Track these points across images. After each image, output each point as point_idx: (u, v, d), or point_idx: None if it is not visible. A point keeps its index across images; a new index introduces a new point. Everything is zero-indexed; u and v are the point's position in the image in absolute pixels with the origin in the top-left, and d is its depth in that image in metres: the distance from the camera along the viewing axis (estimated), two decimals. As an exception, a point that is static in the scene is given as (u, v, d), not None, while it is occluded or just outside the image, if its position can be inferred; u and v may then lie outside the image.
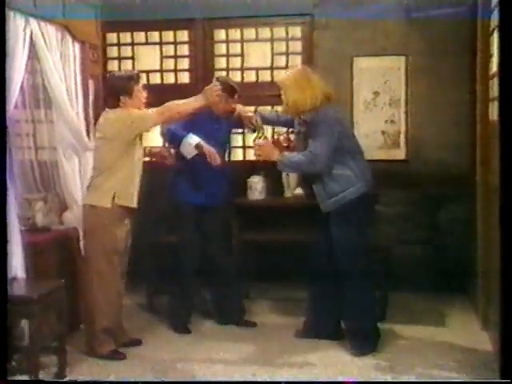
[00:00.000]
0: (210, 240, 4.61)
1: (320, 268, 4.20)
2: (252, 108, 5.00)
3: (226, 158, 4.76)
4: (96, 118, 4.32)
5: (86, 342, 4.09)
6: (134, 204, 4.05)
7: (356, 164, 4.05)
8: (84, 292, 4.10)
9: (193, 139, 4.37)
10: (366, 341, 4.07)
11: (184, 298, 4.58)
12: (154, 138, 5.82)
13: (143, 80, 5.16)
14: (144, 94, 4.08)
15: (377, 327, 4.19)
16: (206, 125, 4.41)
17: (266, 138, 4.41)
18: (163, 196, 4.75)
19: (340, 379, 3.69)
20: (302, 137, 4.15)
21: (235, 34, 5.73)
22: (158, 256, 5.03)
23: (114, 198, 3.93)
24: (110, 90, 4.08)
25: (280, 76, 4.26)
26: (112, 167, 3.95)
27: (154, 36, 5.83)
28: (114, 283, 4.03)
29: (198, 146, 4.35)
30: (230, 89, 4.43)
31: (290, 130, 5.45)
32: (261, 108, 4.96)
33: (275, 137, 5.43)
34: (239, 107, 4.51)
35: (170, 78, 5.84)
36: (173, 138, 4.44)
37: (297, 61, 5.64)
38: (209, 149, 4.34)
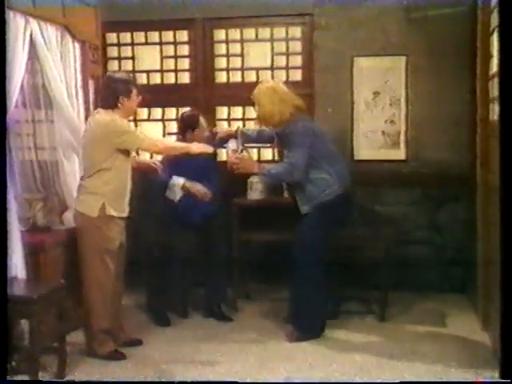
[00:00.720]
0: (207, 237, 4.75)
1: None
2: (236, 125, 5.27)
3: (214, 189, 4.83)
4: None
5: (86, 343, 4.09)
6: (125, 213, 4.11)
7: (332, 167, 4.28)
8: (82, 293, 4.10)
9: (177, 181, 4.58)
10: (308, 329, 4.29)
11: (165, 292, 4.68)
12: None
13: (144, 80, 5.24)
14: (139, 98, 4.16)
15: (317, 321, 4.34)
16: (186, 159, 4.49)
17: (246, 151, 4.53)
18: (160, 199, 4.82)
19: (342, 379, 3.71)
20: (279, 146, 4.44)
21: (235, 34, 5.72)
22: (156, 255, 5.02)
23: (102, 208, 3.96)
24: (109, 90, 4.09)
25: (253, 90, 4.41)
26: (100, 171, 3.97)
27: (154, 36, 5.82)
28: (108, 283, 4.03)
29: (183, 188, 4.57)
30: (191, 122, 4.72)
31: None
32: (242, 127, 5.00)
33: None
34: (220, 130, 4.82)
35: (170, 78, 5.83)
36: (156, 185, 4.58)
37: (297, 61, 5.65)
38: (195, 187, 4.54)
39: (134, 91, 4.10)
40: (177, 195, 4.65)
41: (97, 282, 4.00)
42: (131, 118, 5.78)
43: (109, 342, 4.07)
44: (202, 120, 4.79)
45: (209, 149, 4.22)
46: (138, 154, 4.27)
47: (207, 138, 4.74)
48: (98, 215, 3.96)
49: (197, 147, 4.18)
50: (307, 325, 4.32)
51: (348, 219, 4.50)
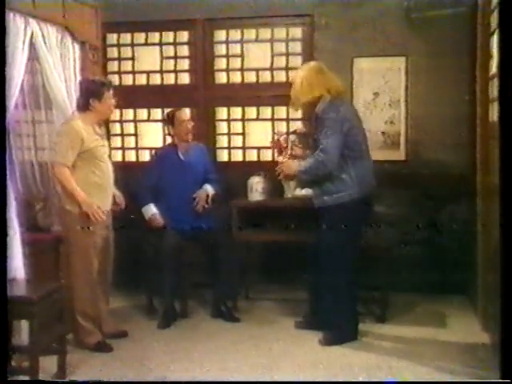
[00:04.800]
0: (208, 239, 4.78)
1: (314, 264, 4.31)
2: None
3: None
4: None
5: (73, 334, 4.16)
6: (107, 207, 4.24)
7: (355, 170, 4.11)
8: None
9: (148, 210, 4.83)
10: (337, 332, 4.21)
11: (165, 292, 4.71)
12: (153, 139, 5.87)
13: (144, 81, 5.24)
14: (113, 101, 4.25)
15: (350, 323, 4.27)
16: (175, 167, 4.88)
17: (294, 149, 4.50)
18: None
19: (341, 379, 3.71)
20: (313, 132, 4.22)
21: (235, 34, 5.72)
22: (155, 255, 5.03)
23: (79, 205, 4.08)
24: (81, 93, 4.23)
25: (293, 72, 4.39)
26: (75, 168, 4.07)
27: (154, 37, 5.82)
28: (91, 276, 4.14)
29: (149, 220, 4.82)
30: (167, 119, 4.97)
31: (291, 130, 5.49)
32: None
33: (275, 138, 5.47)
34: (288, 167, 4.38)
35: (170, 79, 5.83)
36: (137, 200, 4.84)
37: (297, 61, 5.64)
38: (157, 223, 4.79)
39: (107, 94, 4.18)
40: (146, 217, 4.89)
41: (80, 274, 4.11)
42: (131, 118, 5.85)
43: (95, 333, 4.16)
44: (179, 114, 4.92)
45: (96, 214, 4.13)
46: (110, 156, 4.39)
47: (192, 131, 4.97)
48: (79, 211, 4.06)
49: (86, 206, 4.07)
50: (343, 328, 4.23)
51: (362, 224, 4.36)
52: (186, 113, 5.01)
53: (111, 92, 4.22)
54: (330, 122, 4.05)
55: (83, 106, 4.18)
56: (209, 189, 4.94)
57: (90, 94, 4.15)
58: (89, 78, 4.38)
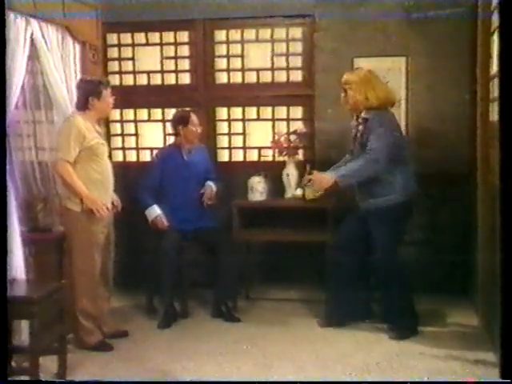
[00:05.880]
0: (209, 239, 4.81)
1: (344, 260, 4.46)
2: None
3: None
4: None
5: (74, 334, 4.16)
6: (108, 205, 4.23)
7: (401, 174, 4.28)
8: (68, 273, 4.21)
9: (152, 212, 4.82)
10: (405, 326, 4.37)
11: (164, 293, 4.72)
12: (154, 139, 5.87)
13: (144, 81, 5.23)
14: (111, 100, 4.29)
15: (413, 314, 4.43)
16: (179, 167, 4.91)
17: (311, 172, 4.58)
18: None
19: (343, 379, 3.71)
20: (360, 136, 4.31)
21: (236, 34, 5.71)
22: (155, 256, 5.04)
23: (82, 202, 4.10)
24: (79, 92, 4.27)
25: (345, 75, 4.45)
26: (75, 166, 4.07)
27: (155, 37, 5.81)
28: (94, 275, 4.16)
29: (153, 222, 4.81)
30: (181, 119, 4.93)
31: (291, 130, 5.50)
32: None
33: (276, 138, 5.48)
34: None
35: (170, 79, 5.83)
36: (140, 202, 4.87)
37: (297, 62, 5.65)
38: (162, 224, 4.78)
39: (105, 92, 4.23)
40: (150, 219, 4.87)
41: (83, 273, 4.12)
42: (131, 118, 5.85)
43: (96, 332, 4.18)
44: (193, 117, 4.93)
45: (101, 209, 4.15)
46: (110, 156, 4.41)
47: (200, 135, 5.00)
48: (81, 209, 4.08)
49: (90, 202, 4.09)
50: (408, 324, 4.37)
51: (406, 226, 4.50)
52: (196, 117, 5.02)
53: (109, 90, 4.26)
54: (380, 127, 4.20)
55: (82, 105, 4.21)
56: (213, 185, 4.99)
57: (88, 92, 4.18)
58: (86, 77, 4.41)
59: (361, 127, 4.33)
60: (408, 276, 4.45)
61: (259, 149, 5.74)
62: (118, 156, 5.85)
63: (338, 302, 4.56)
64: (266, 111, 5.72)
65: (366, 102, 4.28)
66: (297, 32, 5.64)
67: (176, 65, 5.82)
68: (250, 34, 5.69)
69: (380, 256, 4.32)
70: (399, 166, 4.27)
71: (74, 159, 4.08)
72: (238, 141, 5.80)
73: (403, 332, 4.33)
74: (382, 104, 4.30)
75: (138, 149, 5.90)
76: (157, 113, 5.85)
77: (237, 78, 5.74)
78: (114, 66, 5.84)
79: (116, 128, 5.86)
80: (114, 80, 5.62)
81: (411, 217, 4.48)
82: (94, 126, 4.22)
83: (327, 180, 4.32)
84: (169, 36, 5.80)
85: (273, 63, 5.68)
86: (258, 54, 5.71)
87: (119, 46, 5.85)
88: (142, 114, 5.87)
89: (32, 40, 4.01)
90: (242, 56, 5.71)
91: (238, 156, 5.82)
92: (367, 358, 3.99)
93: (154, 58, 5.83)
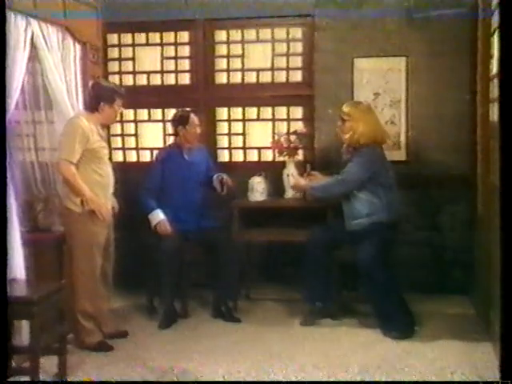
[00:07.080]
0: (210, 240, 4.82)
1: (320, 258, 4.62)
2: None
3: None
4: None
5: (74, 334, 4.16)
6: (108, 207, 4.25)
7: (385, 195, 4.45)
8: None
9: (156, 217, 4.80)
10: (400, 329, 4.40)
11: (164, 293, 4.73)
12: (154, 139, 5.87)
13: (144, 81, 5.22)
14: (120, 110, 4.37)
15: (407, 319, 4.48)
16: (180, 167, 4.91)
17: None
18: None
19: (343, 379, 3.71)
20: (343, 163, 4.57)
21: (236, 34, 5.72)
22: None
23: (82, 203, 4.10)
24: (93, 95, 4.29)
25: (345, 106, 4.59)
26: (78, 167, 4.08)
27: (155, 37, 5.82)
28: (94, 275, 4.17)
29: (156, 226, 4.78)
30: (181, 119, 4.92)
31: (291, 130, 5.51)
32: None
33: (276, 138, 5.48)
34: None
35: (170, 79, 5.84)
36: (143, 205, 4.85)
37: (297, 62, 5.65)
38: (165, 229, 4.74)
39: (118, 101, 4.27)
40: (153, 223, 4.85)
41: (83, 273, 4.13)
42: (131, 118, 5.85)
43: (96, 333, 4.20)
44: (193, 117, 4.93)
45: (104, 212, 4.18)
46: (110, 159, 4.44)
47: (199, 136, 5.00)
48: (81, 210, 4.09)
49: (92, 203, 4.10)
50: (402, 327, 4.40)
51: (389, 245, 4.58)
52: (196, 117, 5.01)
53: (121, 101, 4.31)
54: (362, 158, 4.43)
55: (92, 107, 4.24)
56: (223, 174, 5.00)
57: (102, 98, 4.21)
58: (103, 82, 4.47)
59: (348, 156, 4.56)
60: (397, 285, 4.50)
61: (259, 149, 5.74)
62: (118, 156, 5.85)
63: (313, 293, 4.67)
64: (266, 111, 5.72)
65: (361, 137, 4.44)
66: (297, 32, 5.65)
67: (176, 65, 5.82)
68: (250, 34, 5.70)
69: (364, 272, 4.44)
70: (384, 190, 4.45)
71: (77, 160, 4.08)
72: (237, 141, 5.80)
73: (399, 334, 4.34)
74: (372, 142, 4.47)
75: (138, 149, 5.90)
76: (157, 113, 5.86)
77: (237, 78, 5.75)
78: (114, 66, 5.84)
79: (116, 128, 5.86)
80: (114, 80, 5.62)
81: (394, 236, 4.58)
82: (97, 129, 4.22)
83: (299, 187, 4.83)
84: (169, 36, 5.80)
85: (273, 63, 5.68)
86: (258, 54, 5.71)
87: (119, 46, 5.85)
88: (142, 114, 5.88)
89: (32, 40, 4.01)
90: (242, 56, 5.72)
91: (238, 156, 5.82)
92: (367, 358, 3.99)
93: (154, 59, 5.84)
